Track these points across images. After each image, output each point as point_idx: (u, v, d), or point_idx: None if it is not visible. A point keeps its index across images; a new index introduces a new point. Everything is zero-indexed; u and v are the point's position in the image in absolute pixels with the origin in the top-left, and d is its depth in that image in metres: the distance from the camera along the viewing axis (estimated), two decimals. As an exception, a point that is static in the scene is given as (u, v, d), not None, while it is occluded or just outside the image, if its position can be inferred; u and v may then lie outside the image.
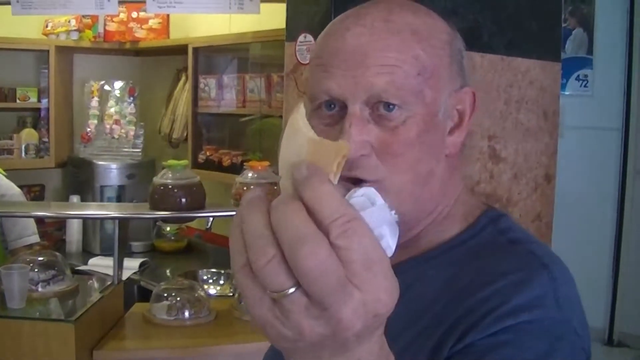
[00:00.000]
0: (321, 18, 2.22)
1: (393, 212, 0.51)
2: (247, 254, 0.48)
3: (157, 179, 2.27)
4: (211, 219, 2.65)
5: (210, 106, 3.74)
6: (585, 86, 4.06)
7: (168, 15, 4.06)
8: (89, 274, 3.13)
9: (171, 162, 2.29)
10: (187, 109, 3.85)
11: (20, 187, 3.16)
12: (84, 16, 3.96)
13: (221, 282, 3.20)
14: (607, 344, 3.99)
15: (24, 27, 3.81)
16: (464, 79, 0.83)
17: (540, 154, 2.54)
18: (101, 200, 3.78)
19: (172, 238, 3.86)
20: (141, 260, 3.52)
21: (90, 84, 4.07)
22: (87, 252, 3.78)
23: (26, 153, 3.97)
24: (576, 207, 3.84)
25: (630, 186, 3.99)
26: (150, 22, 4.07)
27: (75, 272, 2.84)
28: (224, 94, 3.66)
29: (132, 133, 4.00)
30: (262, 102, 3.40)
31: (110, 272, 2.42)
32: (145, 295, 2.91)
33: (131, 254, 3.57)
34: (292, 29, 2.34)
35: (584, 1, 4.04)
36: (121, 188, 3.84)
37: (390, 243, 0.50)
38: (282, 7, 2.40)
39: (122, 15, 4.02)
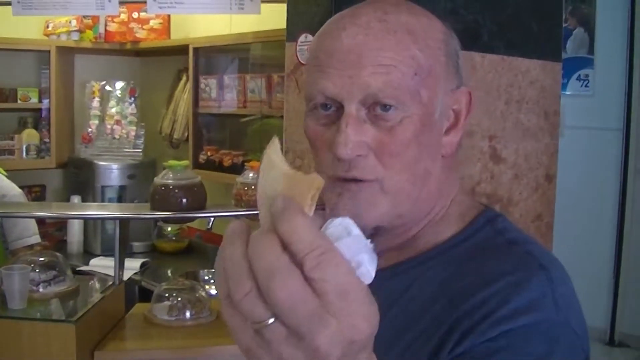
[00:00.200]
0: (322, 18, 2.22)
1: (369, 240, 0.52)
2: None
3: (158, 180, 2.27)
4: (212, 219, 2.66)
5: (211, 106, 3.75)
6: (586, 86, 4.06)
7: (169, 16, 4.07)
8: (90, 274, 3.13)
9: (172, 162, 2.30)
10: (187, 110, 3.86)
11: (21, 187, 3.17)
12: (84, 17, 3.96)
13: (222, 282, 3.20)
14: (608, 344, 3.99)
15: (24, 28, 3.82)
16: (460, 79, 0.83)
17: (541, 154, 2.53)
18: (102, 201, 3.79)
19: (173, 238, 3.86)
20: (142, 260, 3.52)
21: (91, 85, 4.08)
22: (88, 253, 3.79)
23: (27, 153, 3.97)
24: (577, 207, 3.84)
25: (631, 186, 3.98)
26: (151, 22, 4.07)
27: (76, 272, 2.84)
28: (224, 94, 3.66)
29: (133, 133, 4.01)
30: (262, 102, 3.40)
31: (111, 272, 2.42)
32: (146, 295, 2.91)
33: (132, 255, 3.58)
34: (293, 29, 2.34)
35: (585, 1, 4.04)
36: (122, 188, 3.85)
37: (369, 269, 0.51)
38: (283, 7, 2.40)
39: (123, 16, 4.02)
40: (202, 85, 3.76)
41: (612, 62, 3.99)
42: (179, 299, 2.30)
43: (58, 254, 2.35)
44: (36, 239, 3.11)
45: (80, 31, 4.00)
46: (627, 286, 3.99)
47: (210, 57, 3.87)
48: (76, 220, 3.79)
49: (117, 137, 3.99)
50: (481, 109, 2.31)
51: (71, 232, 3.85)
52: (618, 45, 3.96)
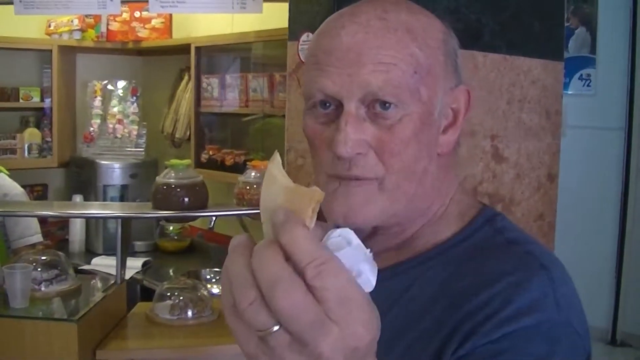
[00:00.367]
0: (323, 17, 2.20)
1: (368, 250, 0.54)
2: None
3: (160, 179, 2.27)
4: (214, 218, 2.66)
5: (212, 106, 3.75)
6: (588, 85, 4.06)
7: (171, 15, 4.07)
8: (92, 273, 3.13)
9: (174, 161, 2.30)
10: (189, 109, 3.86)
11: (23, 186, 3.17)
12: (86, 16, 3.96)
13: (224, 281, 3.20)
14: (610, 344, 3.98)
15: (26, 27, 3.82)
16: (458, 78, 0.83)
17: (542, 153, 2.53)
18: (104, 200, 3.79)
19: (175, 237, 3.86)
20: (144, 259, 3.52)
21: (93, 84, 4.08)
22: (89, 252, 3.79)
23: (29, 153, 3.98)
24: (579, 206, 3.84)
25: (633, 185, 3.98)
26: (153, 21, 4.07)
27: (78, 271, 2.85)
28: (226, 93, 3.66)
29: (134, 132, 4.01)
30: (264, 101, 3.40)
31: (113, 271, 2.43)
32: (148, 294, 2.91)
33: (134, 254, 3.58)
34: (295, 28, 2.34)
35: (587, 0, 4.04)
36: (124, 187, 3.85)
37: (369, 278, 0.53)
38: (285, 6, 2.40)
39: (125, 15, 4.02)
40: (204, 85, 3.76)
41: (614, 61, 3.99)
42: (181, 298, 2.30)
43: (60, 253, 2.36)
44: (38, 238, 3.11)
45: (82, 30, 4.00)
46: (628, 286, 3.99)
47: (212, 56, 3.87)
48: (78, 220, 3.79)
49: (119, 136, 3.99)
50: (483, 109, 2.31)
51: (73, 231, 3.85)
52: (620, 44, 3.96)
